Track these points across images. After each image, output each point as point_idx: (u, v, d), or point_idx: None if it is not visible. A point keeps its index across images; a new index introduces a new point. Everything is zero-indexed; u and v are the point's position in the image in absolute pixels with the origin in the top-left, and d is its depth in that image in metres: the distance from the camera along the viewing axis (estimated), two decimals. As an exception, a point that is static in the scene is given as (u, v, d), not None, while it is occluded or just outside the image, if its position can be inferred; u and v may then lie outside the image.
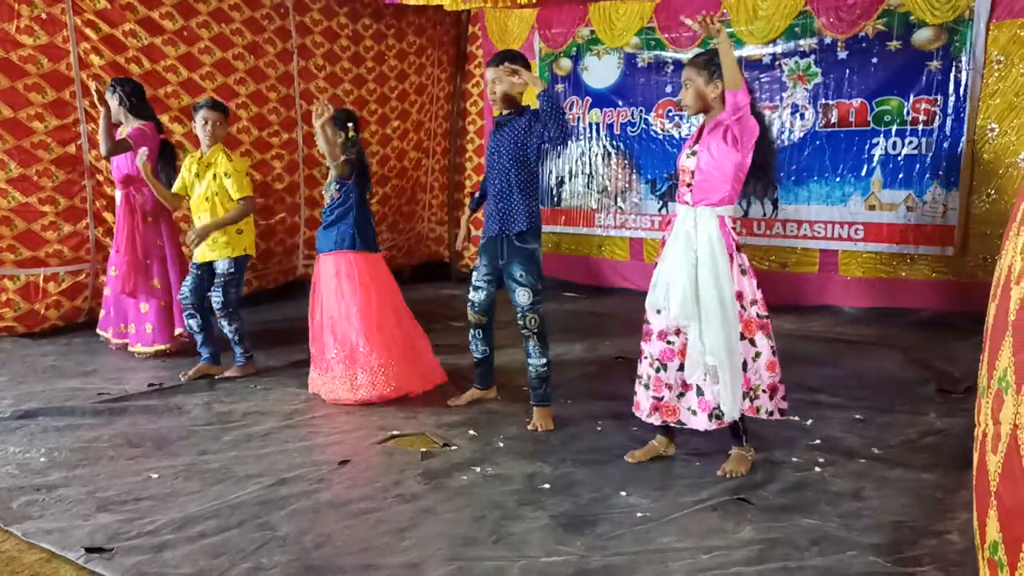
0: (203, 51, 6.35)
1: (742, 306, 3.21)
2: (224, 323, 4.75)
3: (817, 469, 3.34)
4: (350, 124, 4.25)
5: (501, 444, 3.69)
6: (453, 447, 3.65)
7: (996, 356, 1.73)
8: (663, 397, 3.30)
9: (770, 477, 3.25)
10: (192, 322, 4.80)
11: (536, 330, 3.92)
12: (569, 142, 3.97)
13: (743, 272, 3.22)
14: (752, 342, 3.22)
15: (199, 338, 4.84)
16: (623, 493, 3.12)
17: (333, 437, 3.80)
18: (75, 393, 4.41)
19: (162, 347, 5.16)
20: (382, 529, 2.82)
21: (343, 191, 4.29)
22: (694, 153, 3.23)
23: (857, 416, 4.03)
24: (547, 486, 3.19)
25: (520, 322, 3.94)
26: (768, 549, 2.65)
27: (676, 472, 3.34)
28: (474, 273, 4.15)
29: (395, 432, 3.85)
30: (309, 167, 7.32)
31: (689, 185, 3.23)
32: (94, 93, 4.85)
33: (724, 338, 3.12)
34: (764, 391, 3.25)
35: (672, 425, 3.34)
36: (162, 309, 5.15)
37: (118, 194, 5.10)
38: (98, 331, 5.37)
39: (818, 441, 3.68)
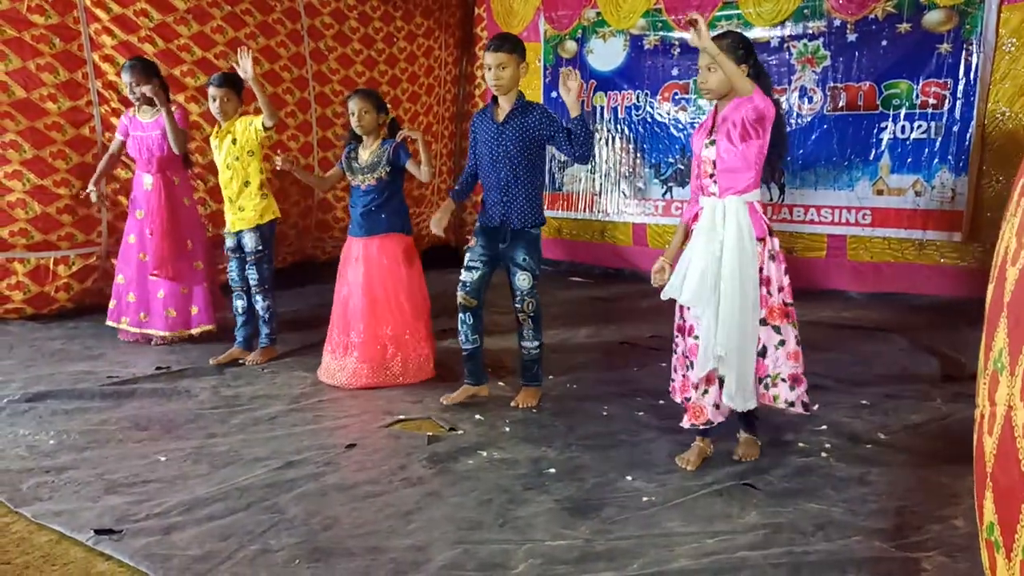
0: (216, 30, 6.33)
1: (768, 292, 3.10)
2: (259, 299, 4.79)
3: (823, 454, 3.35)
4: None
5: (507, 428, 3.70)
6: (459, 431, 3.67)
7: (992, 337, 1.73)
8: (691, 398, 3.18)
9: (775, 462, 3.26)
10: (239, 303, 4.85)
11: (532, 314, 3.92)
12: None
13: (772, 257, 3.09)
14: (776, 329, 3.12)
15: (240, 319, 4.88)
16: (628, 477, 3.13)
17: (340, 421, 3.82)
18: (84, 376, 4.44)
19: (208, 327, 5.17)
20: (388, 512, 2.84)
21: (393, 172, 4.30)
22: (712, 142, 3.07)
23: (863, 401, 4.03)
24: (552, 470, 3.21)
25: (518, 306, 3.92)
26: (773, 534, 2.66)
27: (681, 457, 3.34)
28: (468, 253, 3.97)
29: (402, 416, 3.87)
30: (324, 150, 7.31)
31: (712, 176, 3.09)
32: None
33: (739, 322, 3.01)
34: (784, 380, 3.13)
35: (701, 427, 3.19)
36: (207, 290, 5.15)
37: (147, 178, 4.97)
38: (109, 322, 5.23)
39: (824, 426, 3.68)
